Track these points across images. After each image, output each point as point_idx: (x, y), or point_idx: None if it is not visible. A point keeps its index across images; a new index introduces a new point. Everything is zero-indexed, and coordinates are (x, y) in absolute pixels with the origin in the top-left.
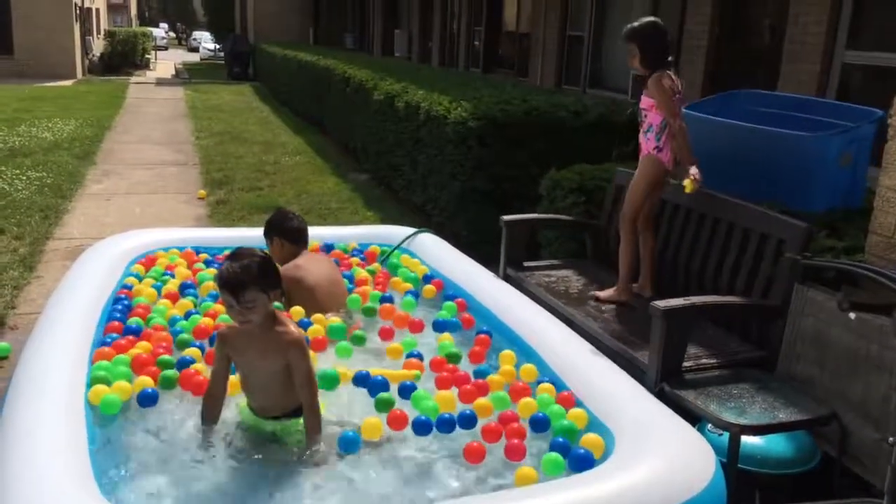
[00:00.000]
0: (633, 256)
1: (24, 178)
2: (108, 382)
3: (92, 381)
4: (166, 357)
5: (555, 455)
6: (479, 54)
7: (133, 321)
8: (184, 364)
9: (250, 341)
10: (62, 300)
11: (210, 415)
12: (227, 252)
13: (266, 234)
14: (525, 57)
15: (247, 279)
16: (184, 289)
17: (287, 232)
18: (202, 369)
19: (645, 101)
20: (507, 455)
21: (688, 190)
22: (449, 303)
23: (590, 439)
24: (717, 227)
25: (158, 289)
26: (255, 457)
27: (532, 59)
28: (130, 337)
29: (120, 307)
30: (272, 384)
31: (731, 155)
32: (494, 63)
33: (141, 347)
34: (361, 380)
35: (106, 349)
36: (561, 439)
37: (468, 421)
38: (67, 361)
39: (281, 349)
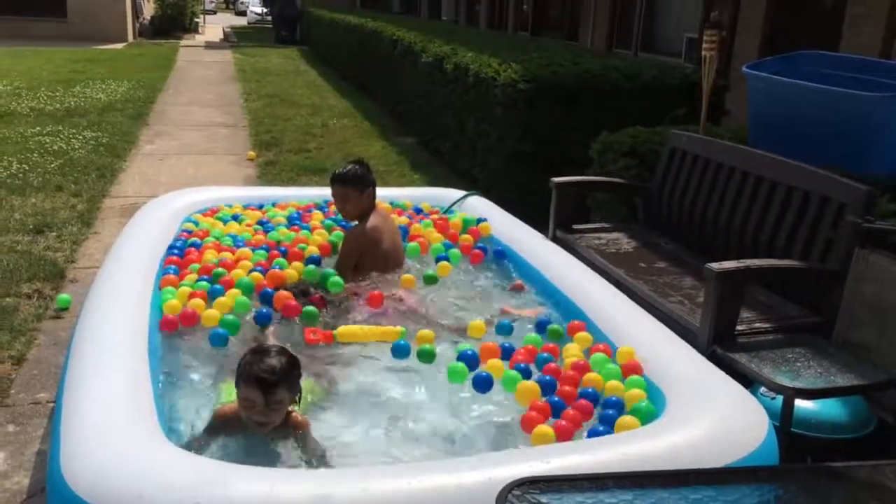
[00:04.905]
0: None
1: (81, 137)
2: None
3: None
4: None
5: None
6: (527, 17)
7: (192, 241)
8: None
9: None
10: (123, 250)
11: None
12: (298, 206)
13: (361, 183)
14: (575, 20)
15: (281, 378)
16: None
17: (374, 183)
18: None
19: None
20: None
21: None
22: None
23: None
24: (775, 189)
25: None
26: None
27: (582, 22)
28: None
29: (179, 243)
30: None
31: (790, 116)
32: (543, 26)
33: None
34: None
35: (171, 276)
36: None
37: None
38: (129, 308)
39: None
